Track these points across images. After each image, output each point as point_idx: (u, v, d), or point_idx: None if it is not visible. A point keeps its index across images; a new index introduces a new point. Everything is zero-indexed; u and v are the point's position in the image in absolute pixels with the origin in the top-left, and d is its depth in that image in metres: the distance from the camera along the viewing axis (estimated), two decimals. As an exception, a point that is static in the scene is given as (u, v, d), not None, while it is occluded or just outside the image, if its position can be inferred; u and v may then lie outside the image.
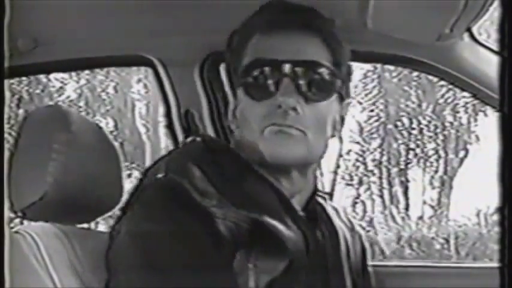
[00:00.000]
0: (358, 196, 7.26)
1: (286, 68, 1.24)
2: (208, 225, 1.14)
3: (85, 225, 1.45)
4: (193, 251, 1.13)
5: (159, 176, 1.20)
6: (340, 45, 1.31)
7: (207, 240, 1.14)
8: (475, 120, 7.17)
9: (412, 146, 7.30)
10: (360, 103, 7.35)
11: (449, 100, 7.19)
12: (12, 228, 1.29)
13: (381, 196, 7.30)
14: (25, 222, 1.36)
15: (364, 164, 7.34)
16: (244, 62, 1.28)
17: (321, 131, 1.27)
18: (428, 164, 7.29)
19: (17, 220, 1.41)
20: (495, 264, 1.68)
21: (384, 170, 7.35)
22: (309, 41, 1.28)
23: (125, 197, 1.41)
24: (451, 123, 7.22)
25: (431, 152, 7.29)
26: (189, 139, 1.34)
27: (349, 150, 7.30)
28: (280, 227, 1.21)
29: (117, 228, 1.21)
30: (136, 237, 1.16)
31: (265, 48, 1.27)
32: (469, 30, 1.61)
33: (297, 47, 1.27)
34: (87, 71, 7.01)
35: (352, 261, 1.38)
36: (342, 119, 1.34)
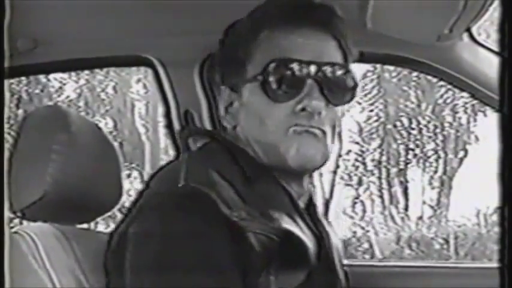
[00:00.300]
0: (357, 196, 7.26)
1: (312, 69, 1.21)
2: (241, 241, 1.10)
3: (85, 226, 1.45)
4: (227, 273, 1.08)
5: (181, 184, 1.14)
6: (351, 47, 1.29)
7: (242, 259, 1.10)
8: (475, 120, 7.17)
9: (412, 146, 7.30)
10: (359, 103, 7.34)
11: (448, 100, 7.19)
12: (11, 228, 1.29)
13: (381, 196, 7.30)
14: (24, 222, 1.36)
15: (364, 164, 7.33)
16: (259, 60, 1.24)
17: (335, 133, 1.26)
18: (427, 164, 7.29)
19: (17, 220, 1.41)
20: (494, 265, 1.68)
21: (383, 170, 7.35)
22: (326, 41, 1.26)
23: (124, 197, 1.41)
24: (451, 123, 7.22)
25: (430, 152, 7.29)
26: (203, 141, 1.29)
27: (349, 151, 7.30)
28: (303, 236, 1.20)
29: (125, 233, 1.15)
30: (161, 255, 1.08)
31: (285, 47, 1.23)
32: (468, 30, 1.61)
33: (319, 47, 1.24)
34: (86, 71, 7.01)
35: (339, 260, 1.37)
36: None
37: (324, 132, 1.22)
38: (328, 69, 1.22)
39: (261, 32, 1.25)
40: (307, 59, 1.22)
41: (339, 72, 1.24)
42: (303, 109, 1.20)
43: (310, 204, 1.33)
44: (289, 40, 1.24)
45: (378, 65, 6.70)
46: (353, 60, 1.29)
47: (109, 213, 1.42)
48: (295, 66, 1.21)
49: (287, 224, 1.19)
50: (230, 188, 1.16)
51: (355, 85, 1.26)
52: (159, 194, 1.18)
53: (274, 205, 1.20)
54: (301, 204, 1.28)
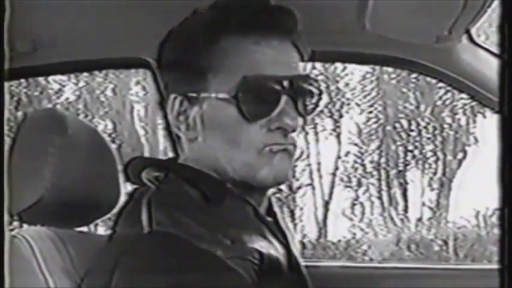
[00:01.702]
0: (356, 198, 7.26)
1: (286, 84, 1.16)
2: (224, 269, 1.09)
3: (84, 229, 1.45)
4: None
5: (146, 231, 1.11)
6: (305, 46, 1.24)
7: (232, 285, 1.09)
8: (474, 121, 7.16)
9: (411, 147, 7.29)
10: (358, 105, 7.34)
11: (447, 102, 7.19)
12: (11, 230, 1.29)
13: (380, 198, 7.30)
14: (25, 225, 1.36)
15: (363, 165, 7.33)
16: (225, 73, 1.17)
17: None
18: (427, 165, 7.28)
19: (17, 223, 1.40)
20: (494, 266, 1.68)
21: (383, 171, 7.34)
22: (291, 50, 1.20)
23: (122, 199, 1.41)
24: (450, 124, 7.21)
25: (430, 154, 7.28)
26: (156, 178, 1.23)
27: (348, 152, 7.29)
28: (273, 252, 1.18)
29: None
30: None
31: (256, 60, 1.16)
32: (467, 32, 1.61)
33: (288, 58, 1.19)
34: (85, 73, 7.00)
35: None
36: None
37: (295, 146, 1.20)
38: (300, 83, 1.18)
39: (221, 39, 1.17)
40: (281, 73, 1.16)
41: (309, 84, 1.20)
42: (279, 128, 1.16)
43: (271, 207, 1.29)
44: (259, 53, 1.16)
45: (377, 67, 6.69)
46: (307, 59, 1.24)
47: (108, 216, 1.42)
48: (269, 83, 1.16)
49: (258, 242, 1.16)
50: (195, 223, 1.13)
51: (321, 93, 1.22)
52: (128, 247, 1.13)
53: (240, 224, 1.17)
54: (263, 211, 1.25)
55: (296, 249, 1.31)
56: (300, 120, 1.19)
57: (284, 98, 1.16)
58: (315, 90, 1.21)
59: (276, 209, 1.31)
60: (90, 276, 1.20)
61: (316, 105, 1.22)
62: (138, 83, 7.81)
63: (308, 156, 7.11)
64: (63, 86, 7.54)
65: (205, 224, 1.13)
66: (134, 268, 1.09)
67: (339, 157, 7.22)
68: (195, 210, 1.15)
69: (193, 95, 1.19)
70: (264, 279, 1.13)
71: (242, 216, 1.20)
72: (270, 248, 1.19)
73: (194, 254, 1.09)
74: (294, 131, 1.17)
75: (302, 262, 1.32)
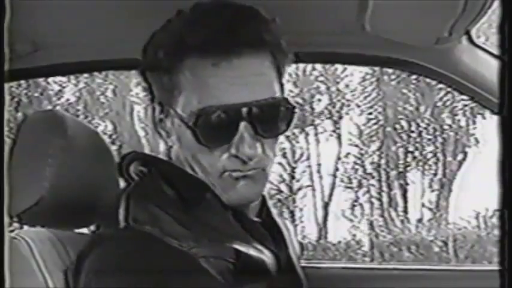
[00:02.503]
0: (357, 199, 7.26)
1: (245, 111, 1.12)
2: (196, 269, 1.09)
3: (84, 230, 1.45)
4: None
5: (122, 225, 1.12)
6: (285, 54, 1.19)
7: (201, 286, 1.08)
8: (474, 123, 7.16)
9: (411, 149, 7.29)
10: (358, 106, 7.34)
11: (447, 103, 7.19)
12: (11, 232, 1.29)
13: (380, 199, 7.30)
14: (25, 227, 1.36)
15: (363, 167, 7.33)
16: (187, 96, 1.14)
17: (275, 155, 1.20)
18: (427, 166, 7.28)
19: (16, 225, 1.40)
20: (494, 267, 1.68)
21: (383, 173, 7.34)
22: (259, 63, 1.14)
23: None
24: (450, 126, 7.21)
25: (430, 155, 7.28)
26: (141, 171, 1.24)
27: (348, 153, 7.29)
28: (254, 252, 1.18)
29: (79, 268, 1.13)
30: None
31: (214, 86, 1.11)
32: (467, 33, 1.61)
33: (252, 78, 1.13)
34: (85, 75, 7.00)
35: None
36: None
37: (263, 169, 1.17)
38: (262, 107, 1.13)
39: (184, 58, 1.14)
40: (240, 99, 1.11)
41: (274, 105, 1.15)
42: (236, 156, 1.14)
43: (263, 207, 1.29)
44: (217, 77, 1.12)
45: (377, 68, 6.70)
46: (289, 64, 1.21)
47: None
48: (227, 112, 1.12)
49: (237, 244, 1.16)
50: (173, 220, 1.12)
51: (292, 112, 1.17)
52: (103, 239, 1.15)
53: (219, 226, 1.17)
54: (251, 211, 1.24)
55: (293, 250, 1.31)
56: (259, 148, 1.14)
57: (243, 125, 1.13)
58: (282, 112, 1.16)
59: (271, 208, 1.31)
60: (67, 273, 1.21)
61: (287, 124, 1.18)
62: (138, 84, 7.81)
63: (308, 158, 7.12)
64: (63, 87, 7.54)
65: (183, 222, 1.13)
66: (102, 268, 1.09)
67: (339, 158, 7.22)
68: (173, 208, 1.15)
69: (167, 107, 1.19)
70: (241, 279, 1.13)
71: (221, 219, 1.19)
72: (251, 249, 1.18)
73: (166, 253, 1.08)
74: (251, 159, 1.14)
75: (298, 263, 1.32)
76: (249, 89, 1.13)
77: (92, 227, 1.39)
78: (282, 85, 1.20)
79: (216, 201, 1.19)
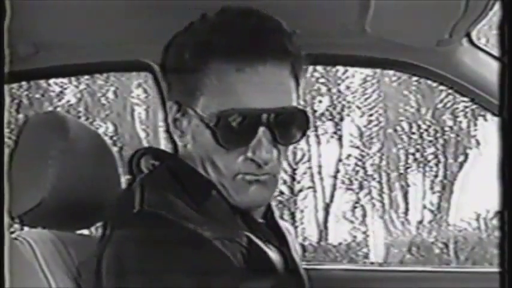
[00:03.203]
0: (357, 201, 7.25)
1: (265, 117, 1.17)
2: (210, 249, 1.10)
3: (86, 231, 1.45)
4: (203, 281, 1.07)
5: (136, 209, 1.14)
6: (303, 65, 1.23)
7: (214, 265, 1.10)
8: (475, 124, 7.16)
9: (412, 150, 7.29)
10: (359, 108, 7.34)
11: (448, 105, 7.18)
12: (12, 233, 1.29)
13: (381, 201, 7.29)
14: (26, 228, 1.36)
15: (364, 168, 7.32)
16: (209, 98, 1.18)
17: (286, 158, 1.24)
18: (428, 168, 7.27)
19: (17, 226, 1.41)
20: (495, 269, 1.68)
21: (384, 174, 7.34)
22: (280, 74, 1.19)
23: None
24: (451, 127, 7.21)
25: (431, 157, 7.28)
26: (152, 165, 1.27)
27: (349, 155, 7.28)
28: (263, 246, 1.20)
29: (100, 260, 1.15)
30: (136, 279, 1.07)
31: (237, 91, 1.16)
32: (468, 35, 1.61)
33: (273, 86, 1.18)
34: (86, 76, 7.00)
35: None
36: None
37: (274, 176, 1.21)
38: (282, 115, 1.18)
39: (209, 62, 1.18)
40: (262, 105, 1.16)
41: (293, 116, 1.20)
42: (252, 160, 1.18)
43: (268, 209, 1.31)
44: (242, 82, 1.17)
45: (378, 70, 6.70)
46: (305, 76, 1.24)
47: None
48: (247, 116, 1.17)
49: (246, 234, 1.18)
50: (186, 206, 1.16)
51: (308, 122, 1.21)
52: (118, 225, 1.16)
53: (226, 223, 1.19)
54: (257, 213, 1.26)
55: (295, 252, 1.31)
56: (275, 153, 1.19)
57: (262, 130, 1.17)
58: (299, 121, 1.21)
59: (275, 211, 1.33)
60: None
61: (302, 133, 1.22)
62: (139, 85, 7.81)
63: (309, 159, 7.12)
64: (64, 89, 7.54)
65: (195, 209, 1.16)
66: (123, 248, 1.12)
67: (340, 160, 7.22)
68: (185, 198, 1.18)
69: (185, 107, 1.22)
70: (252, 265, 1.14)
71: (227, 218, 1.21)
72: (261, 244, 1.20)
73: (180, 233, 1.11)
74: (266, 164, 1.17)
75: (301, 265, 1.32)
76: (270, 96, 1.18)
77: (92, 228, 1.39)
78: (298, 95, 1.24)
79: (222, 201, 1.21)
